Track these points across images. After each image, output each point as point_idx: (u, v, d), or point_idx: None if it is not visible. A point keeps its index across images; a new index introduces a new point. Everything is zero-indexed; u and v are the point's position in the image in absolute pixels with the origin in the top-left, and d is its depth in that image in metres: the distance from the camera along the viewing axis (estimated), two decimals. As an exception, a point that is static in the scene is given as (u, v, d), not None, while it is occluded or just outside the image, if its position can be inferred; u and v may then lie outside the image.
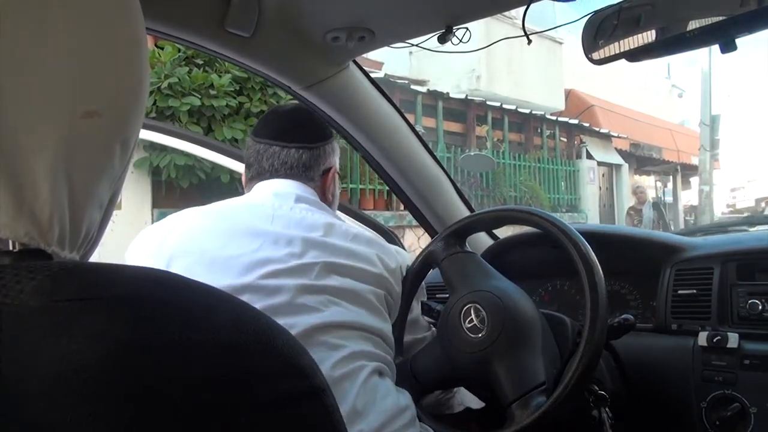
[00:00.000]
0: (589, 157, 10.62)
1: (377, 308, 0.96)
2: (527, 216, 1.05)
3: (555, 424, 0.88)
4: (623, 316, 0.99)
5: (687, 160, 13.62)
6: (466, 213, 1.44)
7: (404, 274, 1.05)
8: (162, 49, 4.45)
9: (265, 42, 1.04)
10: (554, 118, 10.12)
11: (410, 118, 1.68)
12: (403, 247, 1.28)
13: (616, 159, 11.67)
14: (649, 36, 0.88)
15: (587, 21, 0.94)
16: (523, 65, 9.36)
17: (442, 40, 1.03)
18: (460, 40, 1.03)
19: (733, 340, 1.04)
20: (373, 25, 1.03)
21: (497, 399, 0.93)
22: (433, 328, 1.15)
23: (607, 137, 11.18)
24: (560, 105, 10.55)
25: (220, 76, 4.51)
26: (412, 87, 7.94)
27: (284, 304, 0.86)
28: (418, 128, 1.43)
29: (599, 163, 10.90)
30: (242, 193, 1.07)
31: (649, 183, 13.67)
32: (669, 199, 14.02)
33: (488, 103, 8.90)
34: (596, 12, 0.93)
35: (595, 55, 0.94)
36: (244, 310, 0.35)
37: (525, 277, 1.23)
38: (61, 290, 0.29)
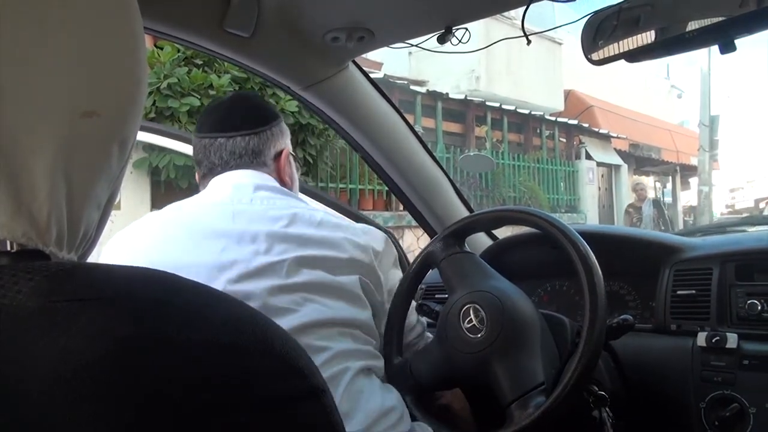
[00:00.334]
0: (588, 157, 10.63)
1: (355, 296, 0.93)
2: (526, 216, 1.05)
3: (554, 424, 0.88)
4: (622, 317, 0.99)
5: (686, 160, 13.64)
6: (465, 213, 1.44)
7: (377, 254, 1.00)
8: (161, 49, 4.44)
9: (264, 42, 1.04)
10: (553, 118, 10.13)
11: (409, 118, 1.68)
12: (402, 250, 1.28)
13: (616, 159, 11.68)
14: (649, 36, 0.88)
15: (587, 21, 0.94)
16: (523, 66, 9.36)
17: (442, 40, 1.03)
18: (460, 41, 1.03)
19: (732, 340, 1.04)
20: (373, 25, 1.03)
21: (496, 399, 0.93)
22: (428, 333, 1.16)
23: (606, 138, 11.19)
24: (559, 105, 10.56)
25: (219, 77, 4.51)
26: (412, 87, 7.95)
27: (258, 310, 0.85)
28: (417, 128, 1.43)
29: (598, 164, 10.91)
30: None
31: (648, 183, 13.67)
32: (668, 199, 14.04)
33: (487, 103, 8.91)
34: (596, 12, 0.93)
35: (595, 56, 0.94)
36: (242, 310, 0.35)
37: (524, 278, 1.23)
38: (59, 291, 0.29)
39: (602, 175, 11.45)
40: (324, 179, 5.87)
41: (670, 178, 14.76)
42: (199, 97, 4.35)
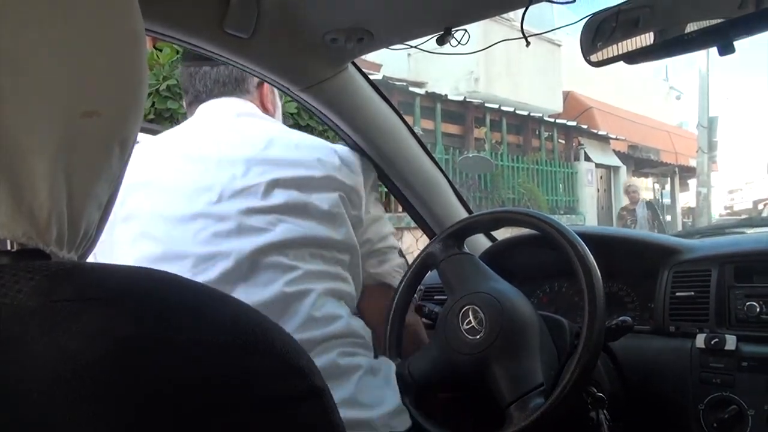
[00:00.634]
0: (587, 159, 10.65)
1: (330, 215, 0.96)
2: (525, 217, 1.05)
3: (553, 425, 0.88)
4: (621, 318, 0.99)
5: (685, 162, 13.67)
6: (465, 215, 1.44)
7: (355, 171, 1.05)
8: (160, 51, 4.44)
9: (263, 43, 1.04)
10: (552, 120, 10.15)
11: (409, 119, 1.68)
12: (402, 251, 1.28)
13: (614, 161, 11.70)
14: (648, 38, 0.88)
15: (586, 23, 0.94)
16: (522, 67, 9.38)
17: (441, 41, 1.03)
18: (459, 42, 1.03)
19: (730, 342, 1.04)
20: (372, 26, 1.03)
21: (495, 400, 0.93)
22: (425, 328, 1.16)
23: (605, 139, 11.21)
24: (558, 107, 10.58)
25: (218, 78, 4.50)
26: (411, 89, 7.96)
27: (233, 230, 0.88)
28: (416, 130, 1.43)
29: (597, 165, 10.93)
30: None
31: (647, 185, 13.70)
32: (667, 201, 14.06)
33: (486, 105, 8.92)
34: (595, 14, 0.93)
35: (594, 57, 0.94)
36: (242, 310, 0.35)
37: (523, 279, 1.23)
38: (60, 290, 0.29)
39: (601, 177, 11.47)
40: (323, 180, 5.85)
41: (669, 179, 14.78)
42: (198, 98, 4.34)
